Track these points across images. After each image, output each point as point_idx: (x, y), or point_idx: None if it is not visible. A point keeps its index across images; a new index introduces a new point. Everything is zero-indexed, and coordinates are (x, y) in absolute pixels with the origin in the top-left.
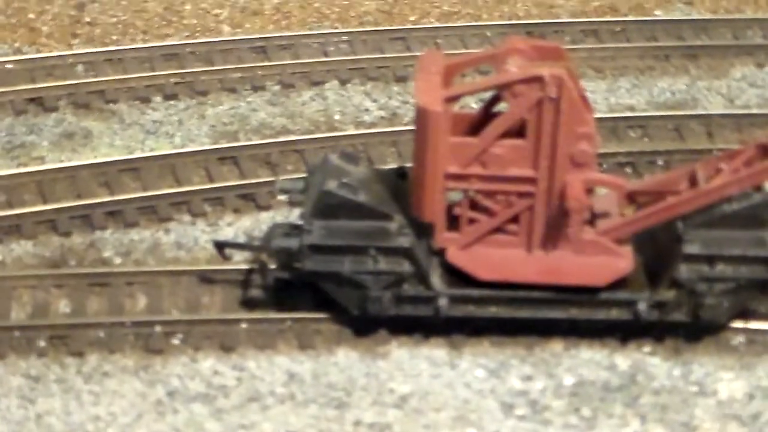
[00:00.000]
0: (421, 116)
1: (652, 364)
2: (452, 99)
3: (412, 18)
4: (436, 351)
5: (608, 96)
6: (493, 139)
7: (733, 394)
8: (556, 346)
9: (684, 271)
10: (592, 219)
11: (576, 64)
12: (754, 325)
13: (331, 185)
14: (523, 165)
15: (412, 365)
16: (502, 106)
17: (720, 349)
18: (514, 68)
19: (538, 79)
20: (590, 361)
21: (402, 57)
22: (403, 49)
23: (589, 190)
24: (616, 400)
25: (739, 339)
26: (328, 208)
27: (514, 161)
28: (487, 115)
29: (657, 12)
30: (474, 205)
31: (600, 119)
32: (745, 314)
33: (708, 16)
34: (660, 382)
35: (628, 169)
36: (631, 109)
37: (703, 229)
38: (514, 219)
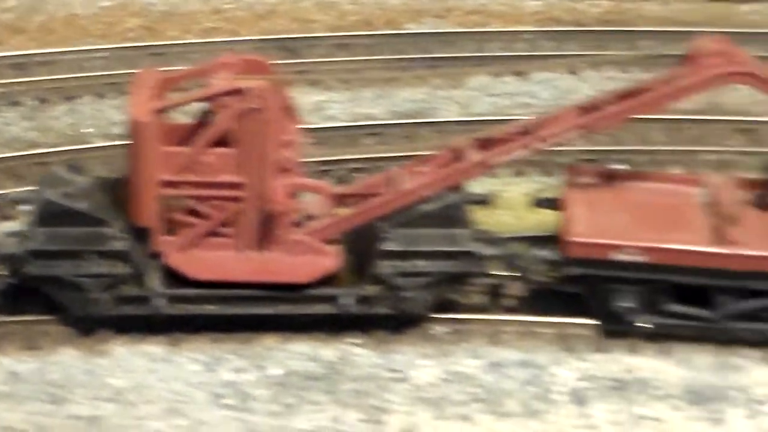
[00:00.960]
0: (132, 127)
1: (357, 354)
2: (162, 111)
3: (173, 34)
4: (155, 348)
5: (352, 106)
6: (203, 148)
7: (428, 378)
8: (270, 340)
9: (384, 266)
10: (303, 220)
11: (282, 77)
12: (453, 315)
13: (52, 194)
14: (232, 171)
15: (131, 361)
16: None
17: (421, 338)
18: (220, 82)
19: (240, 92)
20: (299, 354)
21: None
22: (161, 64)
23: (294, 194)
24: (317, 389)
25: (440, 328)
26: (50, 215)
27: (224, 168)
28: (199, 126)
29: (408, 26)
30: (189, 210)
31: (340, 128)
32: (446, 305)
33: (456, 29)
34: (361, 370)
35: (364, 174)
36: (372, 118)
37: (401, 228)
38: (227, 222)
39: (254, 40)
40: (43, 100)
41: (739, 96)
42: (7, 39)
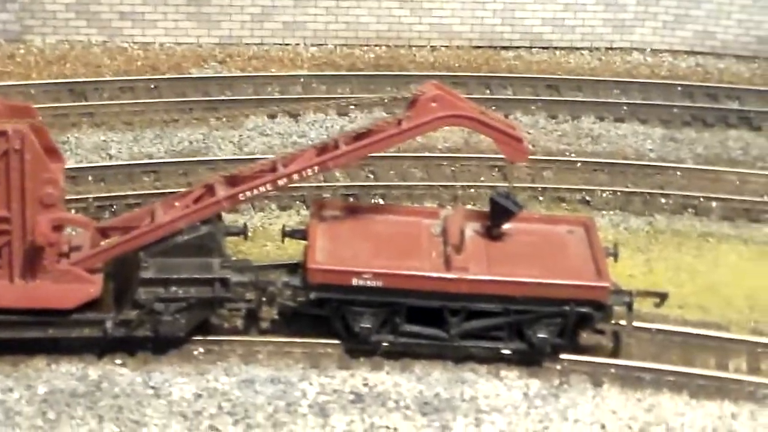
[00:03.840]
0: None
1: (120, 373)
2: None
3: None
4: None
5: (133, 146)
6: None
7: (184, 395)
8: (40, 362)
9: (142, 293)
10: (69, 251)
11: (42, 120)
12: (211, 337)
13: None
14: None
15: None
16: None
17: (182, 358)
18: None
19: (2, 134)
20: (66, 374)
21: None
22: None
23: (59, 227)
24: (79, 405)
25: (199, 349)
26: None
27: None
28: None
29: (192, 71)
30: None
31: (120, 166)
32: (204, 328)
33: (236, 73)
34: (122, 388)
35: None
36: (150, 156)
37: (159, 257)
38: None
39: (44, 83)
40: None
41: None
42: None
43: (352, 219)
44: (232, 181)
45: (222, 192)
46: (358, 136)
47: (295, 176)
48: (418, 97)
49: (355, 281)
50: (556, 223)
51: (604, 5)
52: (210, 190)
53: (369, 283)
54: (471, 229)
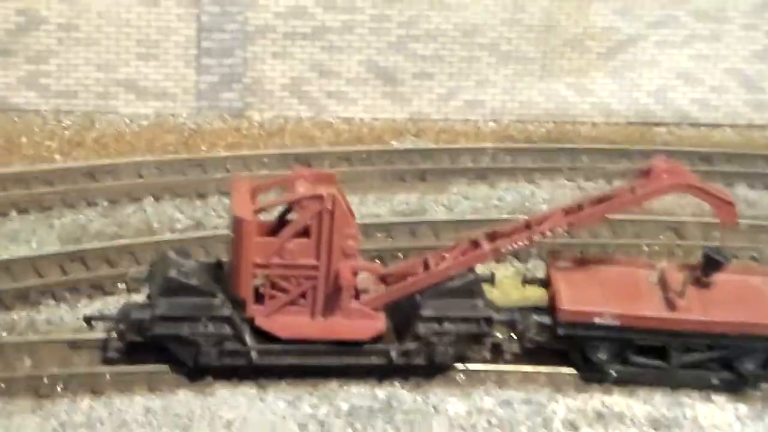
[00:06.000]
0: (237, 224)
1: (401, 393)
2: (259, 211)
3: (204, 148)
4: (249, 389)
5: (360, 207)
6: (287, 239)
7: (458, 411)
8: (334, 384)
9: (421, 328)
10: (357, 293)
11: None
12: (470, 366)
13: (173, 273)
14: (309, 256)
15: (234, 399)
16: (291, 215)
17: (448, 382)
18: (301, 189)
19: (319, 197)
20: (358, 393)
21: (200, 179)
22: (200, 172)
23: (355, 274)
24: (378, 418)
25: (461, 375)
26: (170, 289)
27: (302, 254)
28: (281, 222)
29: (393, 142)
30: (274, 285)
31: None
32: (465, 358)
33: (431, 146)
34: (408, 405)
35: (377, 260)
36: (378, 216)
37: (434, 299)
38: (303, 294)
39: (273, 154)
40: (113, 201)
41: (664, 200)
42: (70, 151)
43: (582, 267)
44: (492, 236)
45: (487, 246)
46: (599, 200)
47: (549, 233)
48: (650, 168)
49: (597, 320)
50: (753, 273)
51: (745, 88)
52: (475, 243)
53: (608, 322)
54: (685, 277)
